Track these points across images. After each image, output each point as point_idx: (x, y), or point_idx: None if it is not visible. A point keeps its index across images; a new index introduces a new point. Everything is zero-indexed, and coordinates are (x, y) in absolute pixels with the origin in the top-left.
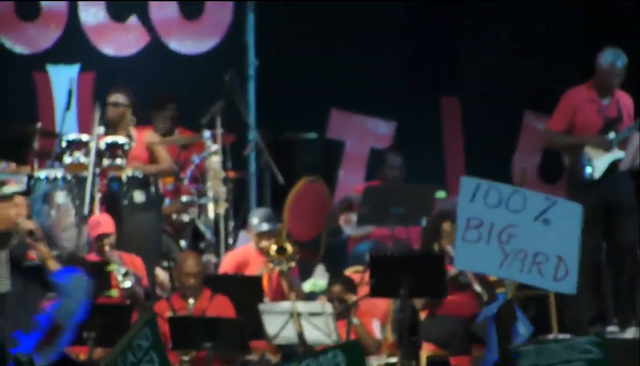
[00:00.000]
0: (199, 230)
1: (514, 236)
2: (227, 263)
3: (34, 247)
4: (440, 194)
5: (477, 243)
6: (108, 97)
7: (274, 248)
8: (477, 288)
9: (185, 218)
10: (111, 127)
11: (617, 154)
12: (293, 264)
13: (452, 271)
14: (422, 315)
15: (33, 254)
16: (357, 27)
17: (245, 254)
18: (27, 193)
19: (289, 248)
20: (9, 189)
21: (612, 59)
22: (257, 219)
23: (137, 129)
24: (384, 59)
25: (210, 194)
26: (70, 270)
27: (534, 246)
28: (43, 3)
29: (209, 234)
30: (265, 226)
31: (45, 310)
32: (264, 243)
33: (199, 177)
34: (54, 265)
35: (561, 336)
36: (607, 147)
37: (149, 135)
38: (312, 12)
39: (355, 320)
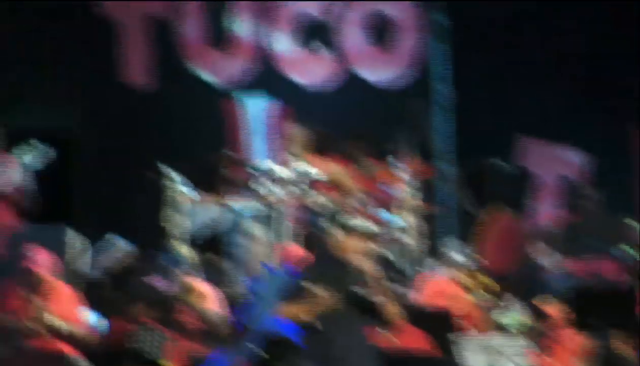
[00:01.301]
0: (390, 260)
1: None
2: (430, 292)
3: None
4: (634, 224)
5: None
6: (290, 129)
7: (473, 281)
8: None
9: (377, 248)
10: (297, 157)
11: None
12: (493, 297)
13: None
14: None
15: None
16: (536, 59)
17: (444, 285)
18: (219, 223)
19: (488, 281)
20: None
21: None
22: (452, 252)
23: (323, 158)
24: (566, 86)
25: (402, 224)
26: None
27: None
28: (234, 32)
29: (400, 265)
30: (461, 259)
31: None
32: (462, 277)
33: (390, 207)
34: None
35: None
36: None
37: (334, 166)
38: (496, 43)
39: None
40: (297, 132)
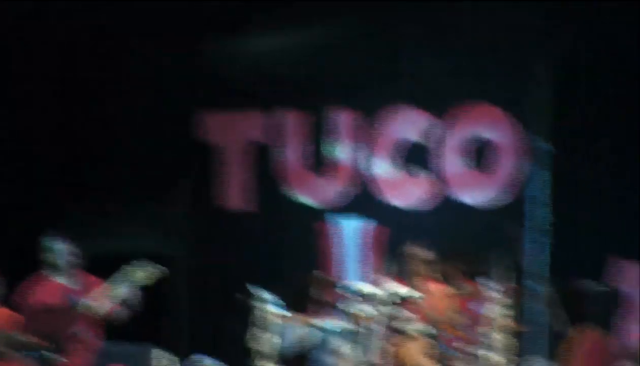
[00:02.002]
0: None
1: None
2: None
3: None
4: None
5: None
6: (408, 250)
7: None
8: None
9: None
10: (410, 280)
11: None
12: None
13: None
14: None
15: None
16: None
17: None
18: (307, 341)
19: None
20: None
21: None
22: None
23: (434, 283)
24: None
25: (492, 344)
26: None
27: None
28: (332, 156)
29: None
30: None
31: None
32: None
33: (481, 327)
34: None
35: None
36: None
37: (446, 289)
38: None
39: None
40: (408, 255)
